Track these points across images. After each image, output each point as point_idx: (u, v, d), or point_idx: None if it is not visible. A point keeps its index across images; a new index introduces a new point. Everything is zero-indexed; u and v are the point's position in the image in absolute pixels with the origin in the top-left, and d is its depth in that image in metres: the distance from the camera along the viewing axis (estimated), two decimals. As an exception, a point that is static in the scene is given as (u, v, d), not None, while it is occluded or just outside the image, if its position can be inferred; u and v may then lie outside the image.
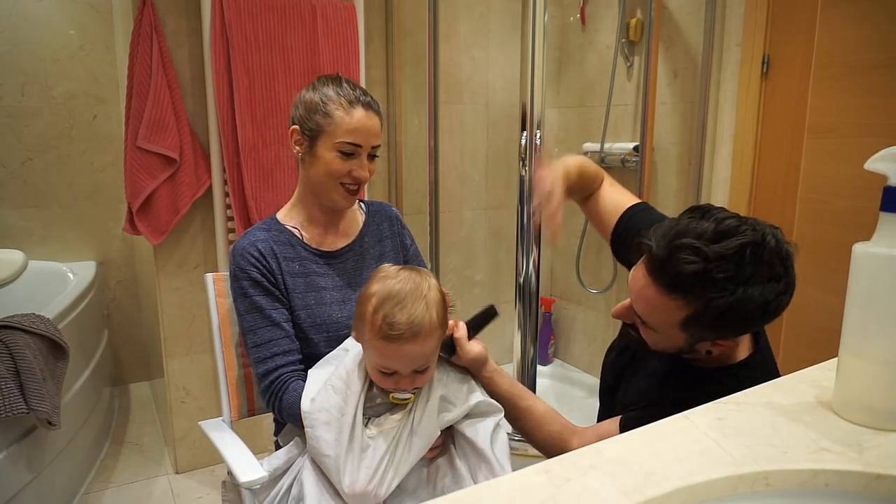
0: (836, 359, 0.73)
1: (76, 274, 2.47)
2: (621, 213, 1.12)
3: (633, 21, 2.36)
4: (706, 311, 0.82)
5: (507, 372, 1.11)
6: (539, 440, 1.06)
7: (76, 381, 2.03)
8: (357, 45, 2.06)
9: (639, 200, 1.15)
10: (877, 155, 0.67)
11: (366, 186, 2.18)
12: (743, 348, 0.96)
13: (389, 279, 0.95)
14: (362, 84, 2.10)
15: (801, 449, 0.64)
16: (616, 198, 1.16)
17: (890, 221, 0.67)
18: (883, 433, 0.67)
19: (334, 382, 0.99)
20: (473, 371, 1.07)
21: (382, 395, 0.99)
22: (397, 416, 0.97)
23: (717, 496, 0.59)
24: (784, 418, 0.70)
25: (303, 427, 1.05)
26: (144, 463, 2.21)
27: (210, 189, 1.97)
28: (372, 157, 1.16)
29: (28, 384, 1.52)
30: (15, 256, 2.34)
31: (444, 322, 0.97)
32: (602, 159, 2.49)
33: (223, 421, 1.28)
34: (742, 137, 2.09)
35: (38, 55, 2.45)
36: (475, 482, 0.98)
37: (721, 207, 0.87)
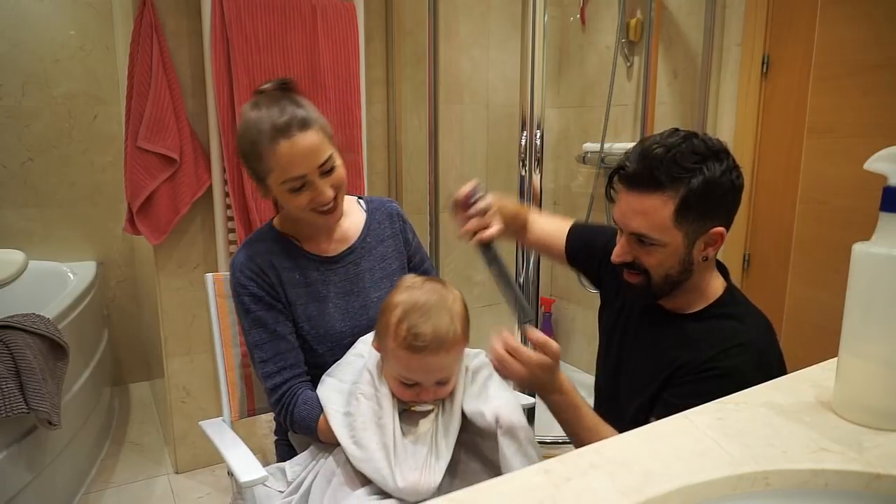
0: (836, 359, 0.73)
1: (76, 274, 2.46)
2: (566, 233, 1.27)
3: (633, 21, 2.36)
4: (689, 196, 0.93)
5: None
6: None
7: (76, 381, 2.03)
8: (357, 45, 2.06)
9: (571, 220, 1.30)
10: (876, 155, 0.67)
11: (365, 185, 2.18)
12: (717, 285, 1.06)
13: (415, 289, 0.95)
14: (362, 84, 2.10)
15: (801, 449, 0.64)
16: (554, 222, 1.31)
17: (890, 221, 0.67)
18: (883, 433, 0.67)
19: (363, 390, 0.98)
20: (552, 372, 1.01)
21: (404, 404, 0.99)
22: (430, 418, 0.97)
23: (717, 496, 0.59)
24: (784, 418, 0.70)
25: (317, 439, 1.05)
26: (144, 463, 2.21)
27: (210, 189, 1.97)
28: (328, 172, 1.05)
29: (28, 384, 1.52)
30: (15, 256, 2.34)
31: (466, 335, 0.96)
32: (602, 159, 2.49)
33: (223, 421, 1.28)
34: (742, 137, 2.09)
35: (39, 55, 2.45)
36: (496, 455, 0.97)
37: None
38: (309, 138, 1.01)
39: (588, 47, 2.66)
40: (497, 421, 0.93)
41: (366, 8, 2.13)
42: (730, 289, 1.06)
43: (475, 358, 1.06)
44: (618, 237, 1.03)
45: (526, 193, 1.95)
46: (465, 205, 1.07)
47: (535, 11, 1.77)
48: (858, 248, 0.69)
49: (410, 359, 0.91)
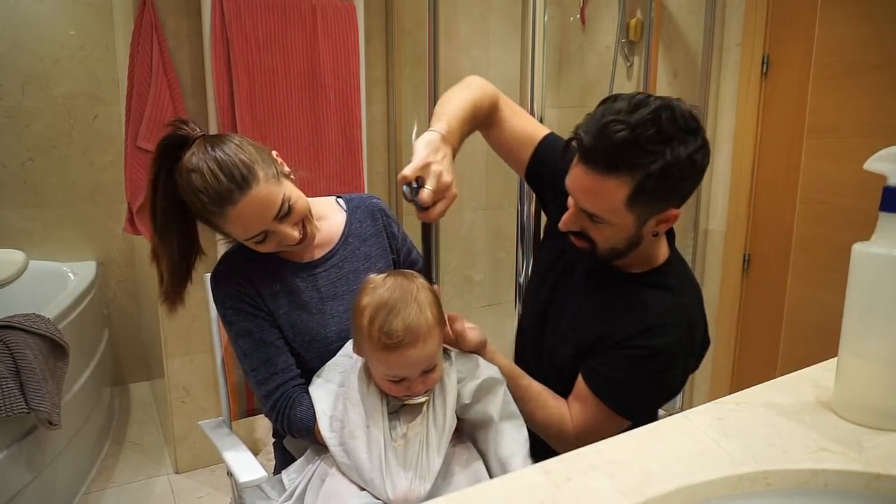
0: (836, 359, 0.73)
1: (76, 274, 2.46)
2: (535, 144, 1.15)
3: (633, 21, 2.36)
4: (646, 181, 0.87)
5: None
6: (541, 419, 1.06)
7: (76, 380, 2.03)
8: (357, 44, 2.06)
9: (546, 130, 1.17)
10: (876, 155, 0.67)
11: (365, 185, 2.18)
12: (663, 250, 1.05)
13: (378, 288, 0.94)
14: (362, 84, 2.10)
15: (801, 449, 0.64)
16: (525, 127, 1.17)
17: (890, 221, 0.67)
18: (883, 433, 0.67)
19: (350, 395, 0.98)
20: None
21: (397, 399, 0.98)
22: (418, 422, 0.97)
23: (717, 496, 0.59)
24: (784, 418, 0.70)
25: (316, 441, 1.04)
26: (144, 463, 2.21)
27: (210, 189, 1.97)
28: (286, 214, 1.00)
29: (28, 384, 1.52)
30: (15, 256, 2.34)
31: (440, 320, 0.96)
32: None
33: (223, 421, 1.28)
34: (742, 137, 2.09)
35: (39, 55, 2.45)
36: (491, 463, 0.99)
37: (624, 93, 0.92)
38: (256, 196, 0.96)
39: (588, 47, 2.66)
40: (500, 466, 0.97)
41: (366, 8, 2.13)
42: (672, 256, 1.06)
43: (470, 364, 1.05)
44: (568, 201, 0.99)
45: (526, 193, 1.95)
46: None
47: (535, 11, 1.77)
48: (858, 248, 0.69)
49: (390, 357, 0.91)
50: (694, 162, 0.88)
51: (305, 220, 1.05)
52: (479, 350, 1.06)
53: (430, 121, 2.23)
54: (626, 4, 2.36)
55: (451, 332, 1.04)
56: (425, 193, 0.92)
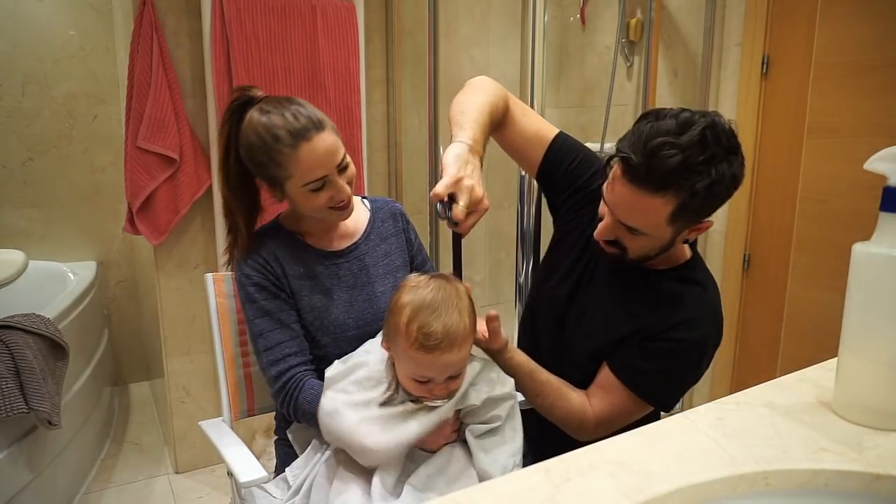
0: (836, 359, 0.73)
1: (76, 274, 2.47)
2: (546, 145, 1.16)
3: (633, 21, 2.36)
4: (692, 198, 0.89)
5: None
6: (562, 411, 1.07)
7: (76, 380, 2.03)
8: (357, 44, 2.06)
9: (556, 129, 1.18)
10: (876, 155, 0.67)
11: (365, 185, 2.18)
12: (685, 248, 1.10)
13: (420, 288, 0.94)
14: (362, 84, 2.10)
15: (801, 449, 0.64)
16: (536, 127, 1.18)
17: (890, 221, 0.67)
18: (883, 433, 0.67)
19: (361, 382, 0.99)
20: (497, 353, 1.08)
21: (411, 396, 0.98)
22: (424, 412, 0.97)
23: (717, 496, 0.59)
24: (784, 418, 0.70)
25: (319, 431, 1.04)
26: (144, 463, 2.21)
27: (210, 189, 1.97)
28: (343, 169, 1.07)
29: (28, 384, 1.52)
30: (15, 256, 2.34)
31: (475, 327, 0.97)
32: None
33: (223, 421, 1.27)
34: (742, 137, 2.07)
35: (39, 55, 2.45)
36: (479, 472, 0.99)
37: (666, 108, 0.93)
38: (327, 138, 1.03)
39: (588, 47, 2.66)
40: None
41: (366, 8, 2.13)
42: (695, 254, 1.11)
43: (477, 368, 1.05)
44: (601, 207, 1.00)
45: (526, 193, 1.95)
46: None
47: (535, 11, 1.77)
48: (858, 248, 0.69)
49: (423, 358, 0.91)
50: (735, 178, 0.91)
51: (352, 188, 1.10)
52: (503, 348, 1.07)
53: (429, 121, 2.22)
54: (626, 4, 2.36)
55: (483, 330, 1.05)
56: (458, 210, 0.92)
